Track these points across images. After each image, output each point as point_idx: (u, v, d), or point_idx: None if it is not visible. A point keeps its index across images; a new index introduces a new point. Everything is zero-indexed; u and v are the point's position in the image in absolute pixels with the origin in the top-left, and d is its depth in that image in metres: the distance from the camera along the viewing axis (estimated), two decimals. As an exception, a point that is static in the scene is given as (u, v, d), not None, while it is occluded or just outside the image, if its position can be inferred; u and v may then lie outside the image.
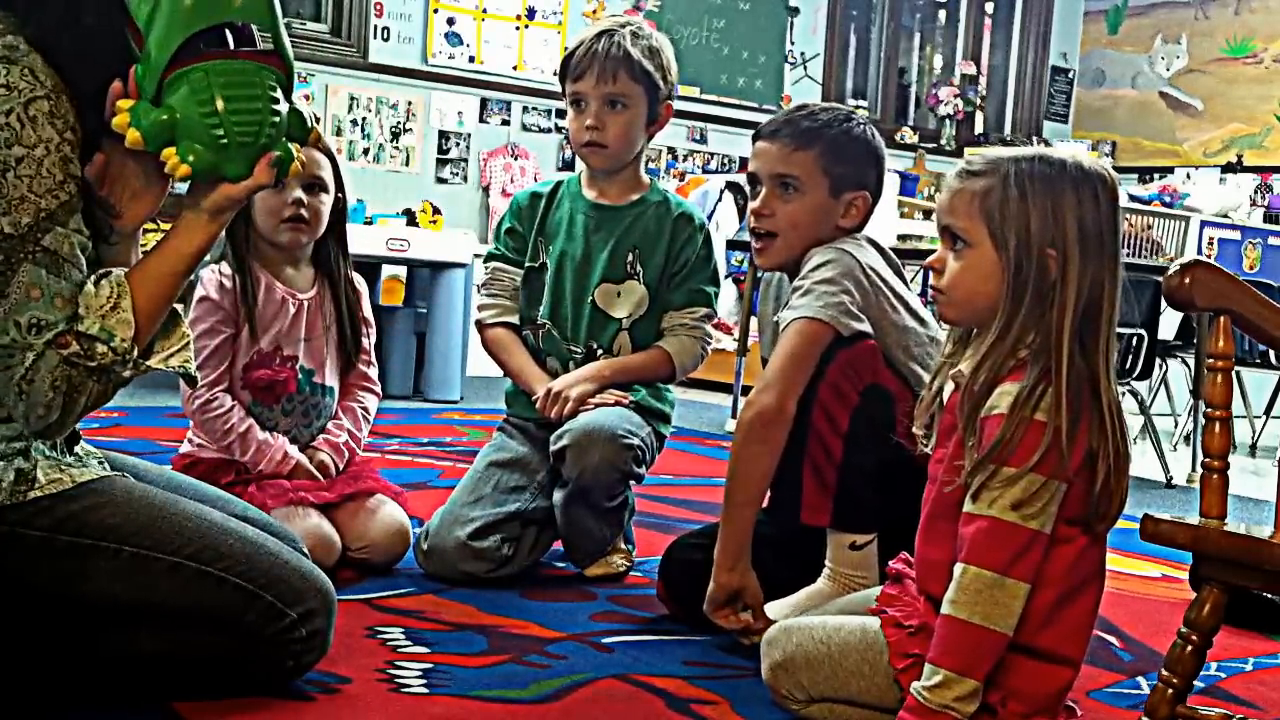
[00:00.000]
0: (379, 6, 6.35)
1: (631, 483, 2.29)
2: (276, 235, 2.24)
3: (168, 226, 1.52)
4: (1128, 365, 4.13)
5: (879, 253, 1.99)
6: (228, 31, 1.45)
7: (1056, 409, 1.46)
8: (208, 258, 1.68)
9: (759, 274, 4.52)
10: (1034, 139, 8.24)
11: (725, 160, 7.47)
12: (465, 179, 6.64)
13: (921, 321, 1.96)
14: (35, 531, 1.47)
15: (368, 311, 2.41)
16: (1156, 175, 8.18)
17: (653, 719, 1.62)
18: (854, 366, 1.84)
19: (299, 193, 2.21)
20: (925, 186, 7.82)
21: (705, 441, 4.41)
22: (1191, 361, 4.74)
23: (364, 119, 6.34)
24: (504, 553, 2.23)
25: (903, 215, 6.68)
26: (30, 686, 1.49)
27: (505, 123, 6.75)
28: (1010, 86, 9.01)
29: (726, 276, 5.94)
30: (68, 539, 1.47)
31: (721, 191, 6.24)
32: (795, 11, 7.74)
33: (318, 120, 5.68)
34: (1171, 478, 4.29)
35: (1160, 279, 1.60)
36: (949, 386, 1.58)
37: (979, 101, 8.70)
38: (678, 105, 2.47)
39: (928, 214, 7.00)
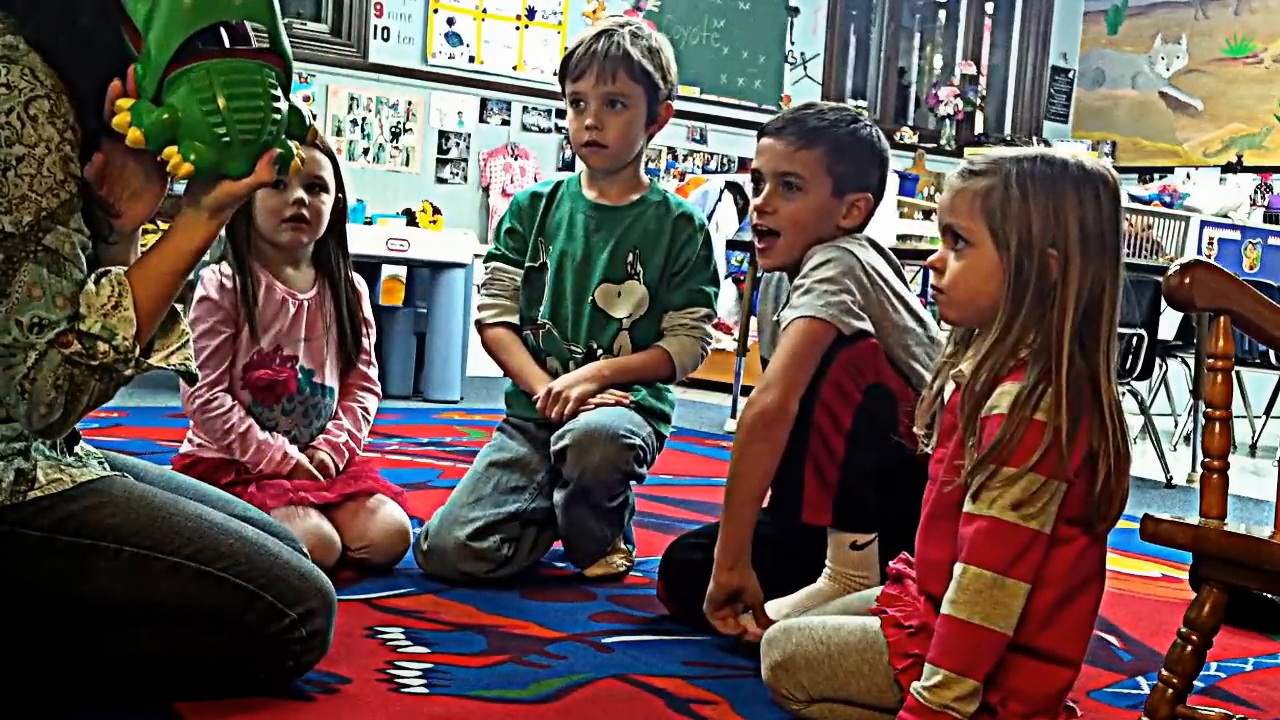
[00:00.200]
0: (379, 6, 6.36)
1: (632, 483, 2.29)
2: (277, 235, 2.24)
3: (166, 226, 1.52)
4: (1128, 365, 4.13)
5: (879, 253, 1.99)
6: (223, 30, 1.45)
7: (1057, 409, 1.46)
8: (207, 257, 1.68)
9: (759, 274, 4.52)
10: (1034, 139, 8.24)
11: (725, 160, 7.47)
12: (465, 179, 6.64)
13: (921, 322, 1.96)
14: (35, 531, 1.47)
15: (368, 312, 2.41)
16: (1156, 175, 8.18)
17: (653, 719, 1.62)
18: (856, 365, 1.84)
19: (300, 192, 2.21)
20: (925, 186, 7.82)
21: (705, 441, 4.41)
22: (1191, 361, 4.74)
23: (364, 119, 6.34)
24: (504, 553, 2.23)
25: (902, 215, 6.68)
26: (30, 686, 1.49)
27: (505, 123, 6.75)
28: (1010, 86, 9.01)
29: (726, 276, 5.94)
30: (68, 539, 1.47)
31: (721, 191, 6.24)
32: (795, 11, 7.74)
33: (314, 118, 5.68)
34: (1171, 478, 4.29)
35: (1160, 279, 1.60)
36: (949, 386, 1.58)
37: (979, 101, 8.70)
38: (678, 105, 2.47)
39: (927, 214, 7.00)
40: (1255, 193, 7.74)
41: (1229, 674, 2.03)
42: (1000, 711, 1.50)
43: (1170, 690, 1.51)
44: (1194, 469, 4.39)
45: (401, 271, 5.01)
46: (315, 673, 1.62)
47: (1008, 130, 8.92)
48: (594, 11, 6.92)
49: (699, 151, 7.42)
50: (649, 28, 2.41)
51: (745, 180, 5.75)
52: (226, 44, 1.46)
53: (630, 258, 2.36)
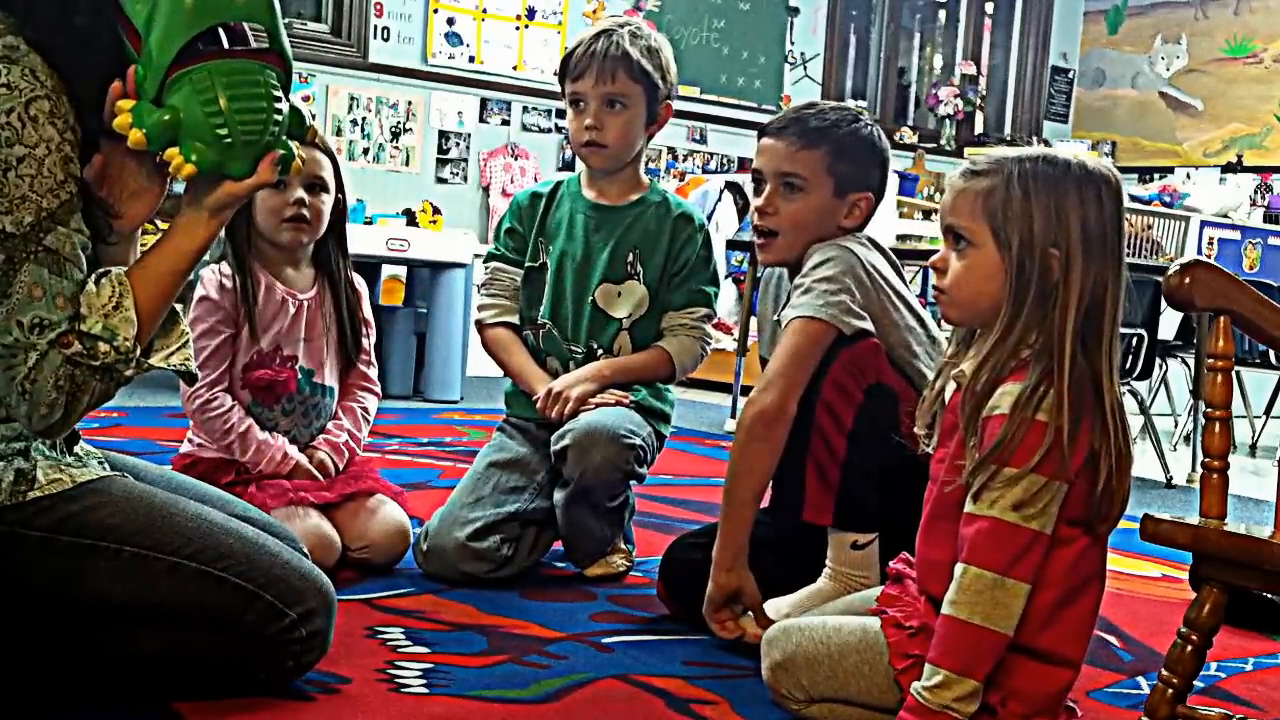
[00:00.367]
0: (379, 6, 6.36)
1: (632, 482, 2.29)
2: (277, 235, 2.24)
3: (166, 226, 1.52)
4: (1128, 365, 4.13)
5: (879, 252, 1.99)
6: (222, 31, 1.45)
7: (1058, 409, 1.45)
8: (207, 257, 1.68)
9: (759, 274, 4.52)
10: (1034, 139, 8.24)
11: (725, 160, 7.47)
12: (465, 179, 6.64)
13: (921, 322, 1.96)
14: (35, 531, 1.47)
15: (368, 312, 2.41)
16: (1156, 175, 8.18)
17: (653, 719, 1.62)
18: (858, 365, 1.84)
19: (300, 192, 2.21)
20: (925, 186, 7.82)
21: (705, 441, 4.41)
22: (1191, 361, 4.74)
23: (364, 119, 6.34)
24: (504, 553, 2.23)
25: (902, 215, 6.68)
26: (30, 686, 1.49)
27: (505, 123, 6.75)
28: (1010, 86, 9.01)
29: (726, 276, 5.94)
30: (68, 539, 1.47)
31: (721, 191, 6.24)
32: (795, 11, 7.74)
33: (314, 117, 5.68)
34: (1171, 478, 4.29)
35: (1160, 279, 1.60)
36: (950, 386, 1.58)
37: (979, 101, 8.70)
38: (678, 105, 2.47)
39: (927, 214, 7.00)
40: (1255, 193, 7.74)
41: (1229, 674, 2.03)
42: (1000, 712, 1.50)
43: (1170, 690, 1.51)
44: (1194, 469, 4.39)
45: (401, 271, 5.01)
46: (315, 673, 1.62)
47: (1008, 130, 8.92)
48: (594, 11, 6.92)
49: (699, 151, 7.42)
50: (649, 28, 2.41)
51: (745, 180, 5.75)
52: (225, 45, 1.46)
53: (630, 258, 2.36)
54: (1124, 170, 8.26)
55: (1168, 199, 6.65)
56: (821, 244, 1.93)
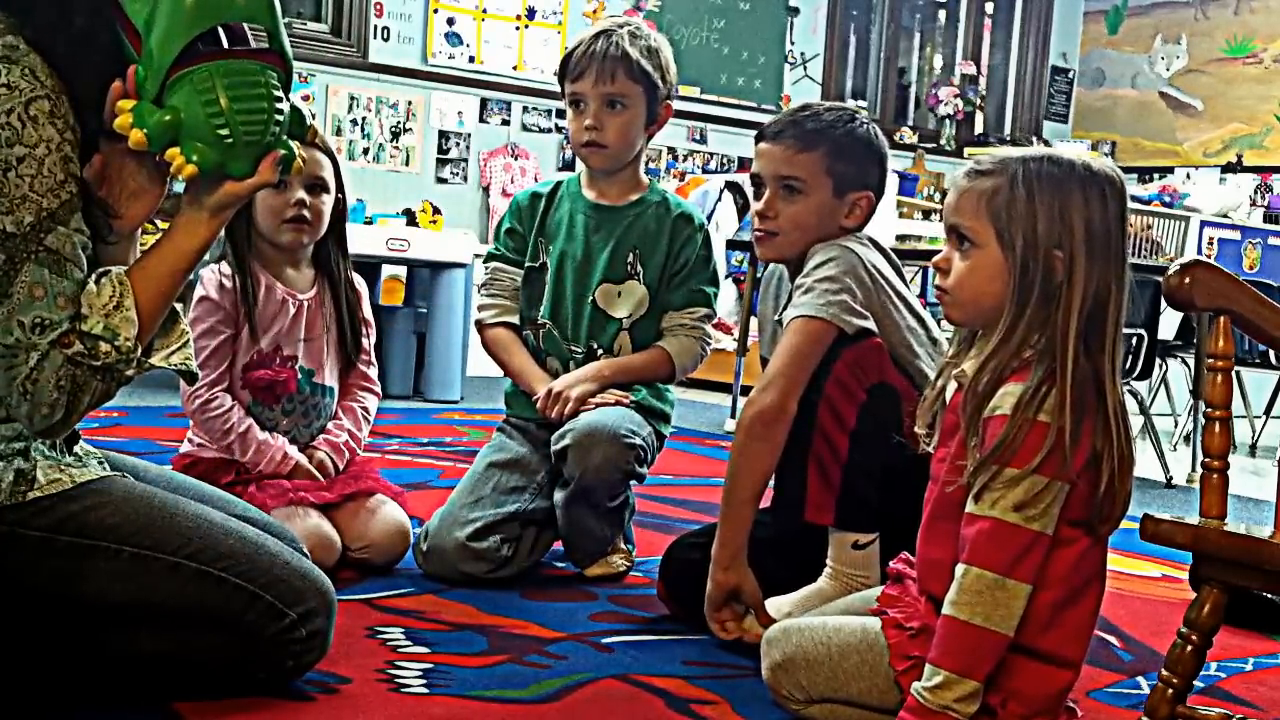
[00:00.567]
0: (379, 6, 6.36)
1: (632, 482, 2.29)
2: (278, 235, 2.24)
3: (166, 226, 1.52)
4: (1128, 365, 4.13)
5: (880, 252, 1.99)
6: (221, 31, 1.45)
7: (1060, 410, 1.45)
8: (207, 257, 1.68)
9: (759, 274, 4.52)
10: (1034, 139, 8.24)
11: (725, 160, 7.47)
12: (465, 179, 6.64)
13: (922, 322, 1.96)
14: (35, 532, 1.47)
15: (367, 312, 2.41)
16: (1156, 175, 8.18)
17: (653, 719, 1.62)
18: (861, 364, 1.84)
19: (301, 193, 2.21)
20: (925, 186, 7.82)
21: (705, 441, 4.41)
22: (1191, 361, 4.74)
23: (364, 119, 6.34)
24: (504, 553, 2.23)
25: (901, 215, 6.68)
26: (30, 686, 1.49)
27: (505, 123, 6.75)
28: (1010, 86, 9.01)
29: (726, 276, 5.94)
30: (68, 539, 1.47)
31: (721, 191, 6.24)
32: (795, 11, 7.74)
33: (313, 117, 5.68)
34: (1171, 478, 4.29)
35: (1160, 279, 1.60)
36: (952, 386, 1.58)
37: (979, 101, 8.70)
38: (678, 105, 2.47)
39: (927, 214, 7.00)
40: (1255, 193, 7.74)
41: (1229, 674, 2.03)
42: (1000, 713, 1.50)
43: (1170, 690, 1.51)
44: (1194, 469, 4.39)
45: (401, 271, 5.01)
46: (315, 673, 1.62)
47: (1008, 130, 8.92)
48: (594, 11, 6.92)
49: (699, 151, 7.42)
50: (648, 28, 2.41)
51: (745, 180, 5.75)
52: (226, 45, 1.46)
53: (630, 258, 2.36)
54: (1124, 170, 8.20)
55: (1168, 199, 6.65)
56: (822, 244, 1.93)
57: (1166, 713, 1.51)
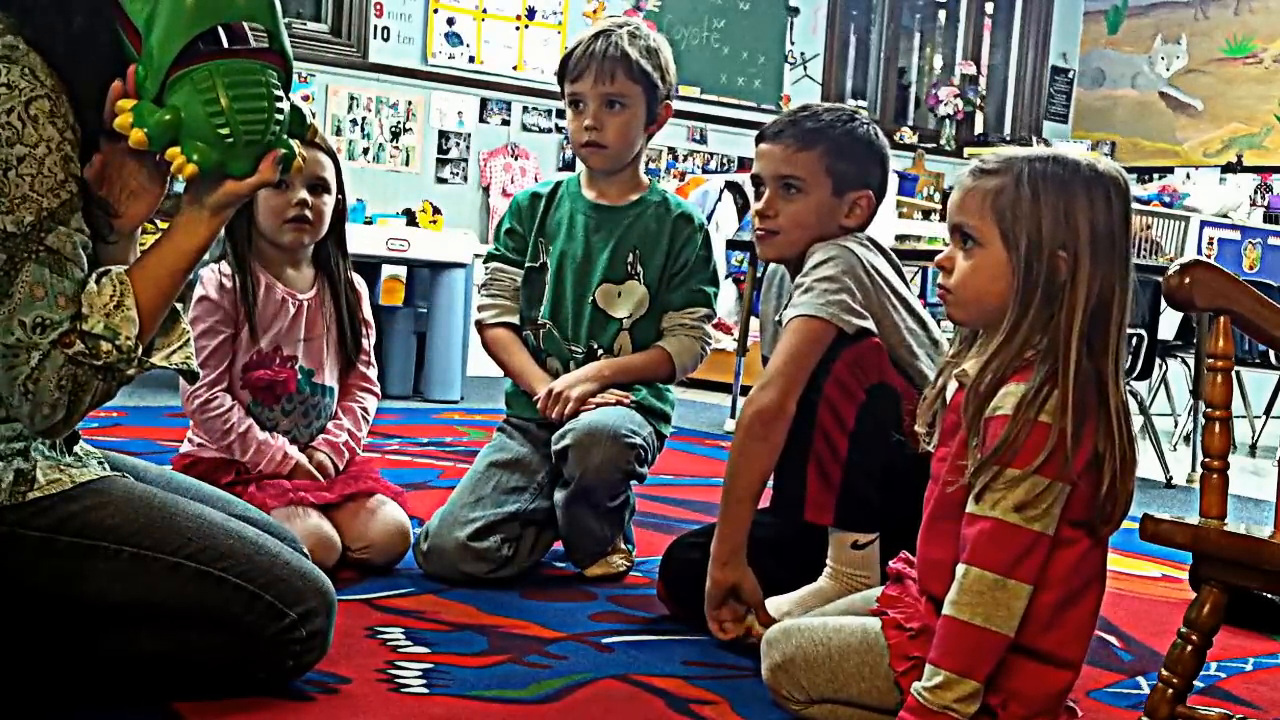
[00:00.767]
0: (379, 6, 6.36)
1: (633, 482, 2.29)
2: (279, 235, 2.24)
3: (165, 225, 1.52)
4: (1127, 365, 4.13)
5: (880, 253, 1.99)
6: (221, 30, 1.45)
7: (1062, 411, 1.45)
8: (207, 257, 1.68)
9: (759, 274, 4.52)
10: (1034, 139, 8.25)
11: (725, 160, 7.47)
12: (465, 179, 6.64)
13: (922, 323, 1.96)
14: (35, 532, 1.47)
15: (367, 313, 2.41)
16: (1156, 175, 8.18)
17: (653, 719, 1.62)
18: (860, 364, 1.84)
19: (304, 193, 2.21)
20: (924, 186, 7.82)
21: (705, 441, 4.41)
22: (1191, 361, 4.74)
23: (364, 119, 6.34)
24: (504, 553, 2.23)
25: (901, 215, 6.68)
26: (30, 686, 1.49)
27: (505, 123, 6.75)
28: (1010, 86, 9.01)
29: (726, 276, 5.94)
30: (68, 539, 1.47)
31: (721, 191, 6.24)
32: (795, 11, 7.74)
33: (313, 116, 5.68)
34: (1171, 478, 4.29)
35: (1160, 279, 1.60)
36: (952, 385, 1.58)
37: (979, 101, 8.70)
38: (678, 105, 2.47)
39: (926, 214, 7.00)
40: (1255, 193, 7.74)
41: (1229, 674, 2.03)
42: (1001, 714, 1.50)
43: (1170, 690, 1.51)
44: (1194, 469, 4.39)
45: (401, 271, 5.01)
46: (315, 673, 1.62)
47: (1007, 130, 8.92)
48: (594, 11, 6.92)
49: (699, 151, 7.42)
50: (648, 28, 2.41)
51: (745, 180, 5.75)
52: (225, 44, 1.46)
53: (630, 258, 2.36)
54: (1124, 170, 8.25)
55: (1168, 199, 6.65)
56: (822, 244, 1.93)
57: (1166, 713, 1.51)
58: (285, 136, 1.49)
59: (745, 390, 2.17)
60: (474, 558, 2.20)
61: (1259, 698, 1.93)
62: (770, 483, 1.92)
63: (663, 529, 2.72)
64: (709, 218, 5.87)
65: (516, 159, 6.73)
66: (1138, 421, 4.56)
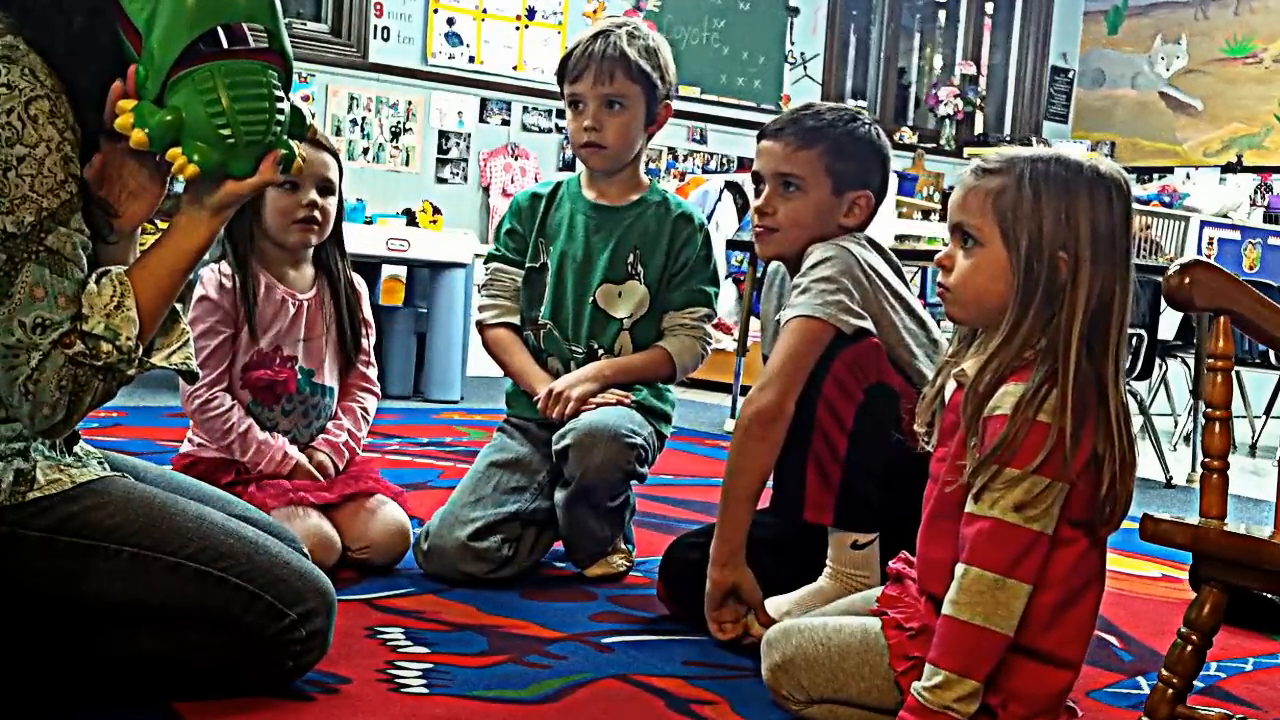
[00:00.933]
0: (379, 6, 6.35)
1: (633, 482, 2.29)
2: (287, 235, 2.24)
3: (165, 226, 1.52)
4: (1127, 365, 4.13)
5: (879, 253, 1.99)
6: (221, 31, 1.45)
7: (1061, 411, 1.45)
8: (207, 257, 1.68)
9: (759, 274, 4.52)
10: (1034, 139, 8.24)
11: (725, 160, 7.47)
12: (465, 179, 6.64)
13: (921, 323, 1.96)
14: (35, 532, 1.47)
15: (367, 313, 2.41)
16: (1156, 175, 8.18)
17: (653, 719, 1.62)
18: (859, 364, 1.84)
19: (314, 194, 2.21)
20: (924, 186, 7.82)
21: (705, 441, 4.41)
22: (1191, 361, 4.74)
23: (364, 119, 6.34)
24: (504, 553, 2.23)
25: (901, 215, 6.67)
26: (30, 686, 1.49)
27: (505, 123, 6.75)
28: (1010, 86, 9.01)
29: (726, 276, 5.94)
30: (67, 539, 1.47)
31: (721, 191, 6.24)
32: (795, 11, 7.74)
33: (313, 116, 5.68)
34: (1171, 478, 4.29)
35: (1160, 279, 1.60)
36: (951, 385, 1.58)
37: (979, 101, 8.70)
38: (678, 105, 2.47)
39: (926, 214, 7.00)
40: (1255, 193, 7.74)
41: (1229, 674, 2.03)
42: (1001, 713, 1.50)
43: (1170, 690, 1.51)
44: (1194, 469, 4.39)
45: (401, 271, 5.01)
46: (315, 673, 1.62)
47: (1007, 130, 8.92)
48: (594, 11, 6.92)
49: (699, 151, 7.42)
50: (648, 28, 2.41)
51: (745, 180, 5.75)
52: (226, 45, 1.46)
53: (631, 258, 2.36)
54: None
55: (1167, 199, 6.65)
56: (820, 244, 1.93)
57: (1166, 713, 1.51)
58: (285, 137, 1.49)
59: (745, 390, 2.17)
60: (474, 558, 2.20)
61: (1259, 698, 1.93)
62: (770, 483, 1.92)
63: (663, 529, 2.72)
64: (709, 218, 5.87)
65: (516, 159, 6.73)
66: (1138, 421, 4.56)
